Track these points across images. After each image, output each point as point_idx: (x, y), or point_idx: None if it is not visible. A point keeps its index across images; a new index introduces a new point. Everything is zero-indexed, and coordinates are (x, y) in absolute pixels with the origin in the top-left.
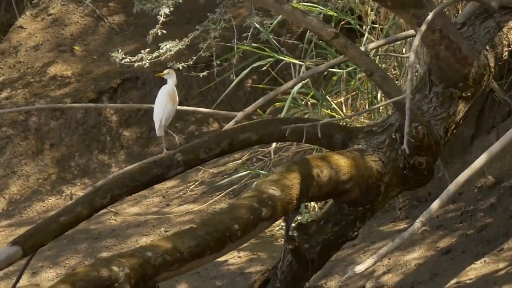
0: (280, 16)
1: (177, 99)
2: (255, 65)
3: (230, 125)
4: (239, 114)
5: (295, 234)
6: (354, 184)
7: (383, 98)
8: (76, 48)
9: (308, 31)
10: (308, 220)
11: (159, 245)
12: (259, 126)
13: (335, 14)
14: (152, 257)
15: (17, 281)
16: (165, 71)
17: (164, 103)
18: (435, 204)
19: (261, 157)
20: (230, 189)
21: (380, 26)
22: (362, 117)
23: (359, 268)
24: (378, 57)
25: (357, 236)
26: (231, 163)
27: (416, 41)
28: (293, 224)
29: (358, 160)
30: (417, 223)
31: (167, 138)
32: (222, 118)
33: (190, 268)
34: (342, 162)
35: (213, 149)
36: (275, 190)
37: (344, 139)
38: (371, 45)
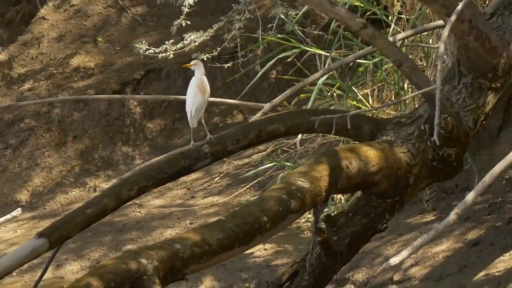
0: (305, 7)
1: (208, 89)
2: (280, 56)
3: (257, 116)
4: (266, 106)
5: (324, 226)
6: (383, 176)
7: (410, 89)
8: (99, 39)
9: (334, 22)
10: (336, 212)
11: (188, 237)
12: (286, 117)
13: (361, 5)
14: (181, 250)
15: (43, 273)
16: (192, 62)
17: (193, 94)
18: (470, 196)
19: (286, 148)
20: (255, 181)
21: (406, 17)
22: (389, 109)
23: (394, 260)
24: (404, 47)
25: (386, 229)
26: (255, 155)
27: (446, 32)
28: (321, 216)
29: (387, 152)
30: (452, 215)
31: (194, 129)
32: (246, 110)
33: (218, 260)
34: (371, 153)
35: (241, 140)
36: (304, 182)
37: (372, 131)
38: (399, 36)
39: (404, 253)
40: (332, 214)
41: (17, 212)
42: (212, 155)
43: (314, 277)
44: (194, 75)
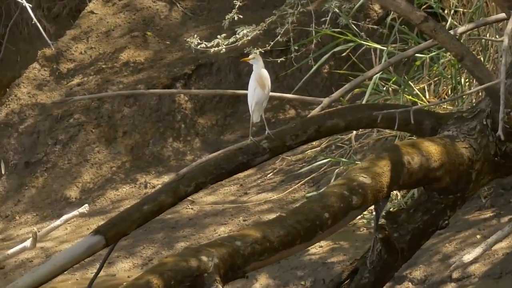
0: (362, 0)
1: (268, 83)
2: (335, 50)
3: (316, 111)
4: (325, 100)
5: (385, 223)
6: (445, 172)
7: (467, 84)
8: (149, 33)
9: (389, 16)
10: (393, 209)
11: (248, 234)
12: (346, 112)
13: None
14: (242, 247)
15: (99, 271)
16: (250, 56)
17: (252, 89)
18: None
19: (340, 144)
20: (310, 177)
21: (463, 10)
22: (446, 103)
23: (467, 258)
24: (462, 41)
25: (448, 225)
26: (309, 150)
27: (510, 25)
28: (382, 213)
29: (449, 147)
30: None
31: (246, 125)
32: (299, 105)
33: (279, 257)
34: (432, 149)
35: (300, 135)
36: (365, 177)
37: (433, 126)
38: (460, 29)
39: (478, 250)
40: (392, 210)
41: (84, 208)
42: (270, 151)
43: (374, 274)
44: (246, 70)
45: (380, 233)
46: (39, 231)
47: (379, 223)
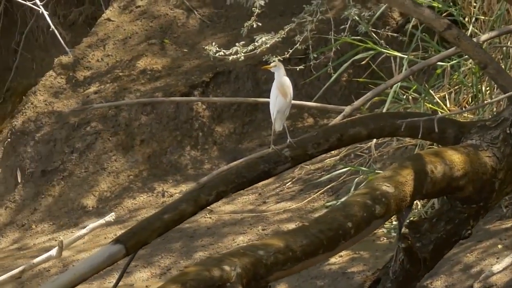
0: (381, 8)
1: (290, 91)
2: (356, 57)
3: (338, 119)
4: (347, 108)
5: (407, 232)
6: (468, 181)
7: (488, 92)
8: (166, 41)
9: (410, 23)
10: (413, 218)
11: (271, 243)
12: (369, 120)
13: (439, 6)
14: (264, 256)
15: (118, 280)
16: (271, 64)
17: (274, 97)
18: None
19: (359, 153)
20: (329, 186)
21: (484, 18)
22: (466, 112)
23: (497, 268)
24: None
25: (470, 235)
26: (328, 159)
27: None
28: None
29: (472, 156)
30: None
31: (263, 133)
32: (317, 114)
33: (302, 267)
34: (455, 157)
35: (322, 144)
36: (388, 186)
37: (456, 134)
38: (483, 37)
39: (508, 260)
40: (414, 220)
41: (111, 217)
42: (292, 159)
43: (397, 284)
44: (264, 78)
45: (403, 243)
46: (64, 240)
47: (402, 232)
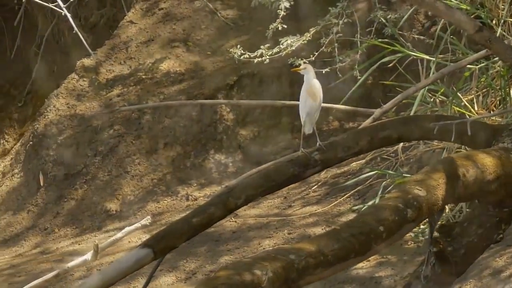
0: (408, 11)
1: (320, 94)
2: (383, 60)
3: (367, 122)
4: (377, 111)
5: (439, 236)
6: (500, 184)
7: None
8: (189, 43)
9: (437, 26)
10: (441, 222)
11: (303, 247)
12: (399, 123)
13: (467, 8)
14: (296, 260)
15: (146, 285)
16: (301, 66)
17: (303, 100)
18: None
19: (386, 156)
20: (355, 190)
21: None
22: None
23: None
24: None
25: (502, 239)
26: (354, 162)
27: None
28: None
29: (504, 159)
30: None
31: (287, 137)
32: (343, 117)
33: (333, 272)
34: (487, 161)
35: (352, 147)
36: (420, 190)
37: (488, 137)
38: None
39: None
40: (446, 224)
41: (147, 220)
42: (322, 163)
43: None
44: (289, 80)
45: (434, 247)
46: (100, 244)
47: (434, 236)
